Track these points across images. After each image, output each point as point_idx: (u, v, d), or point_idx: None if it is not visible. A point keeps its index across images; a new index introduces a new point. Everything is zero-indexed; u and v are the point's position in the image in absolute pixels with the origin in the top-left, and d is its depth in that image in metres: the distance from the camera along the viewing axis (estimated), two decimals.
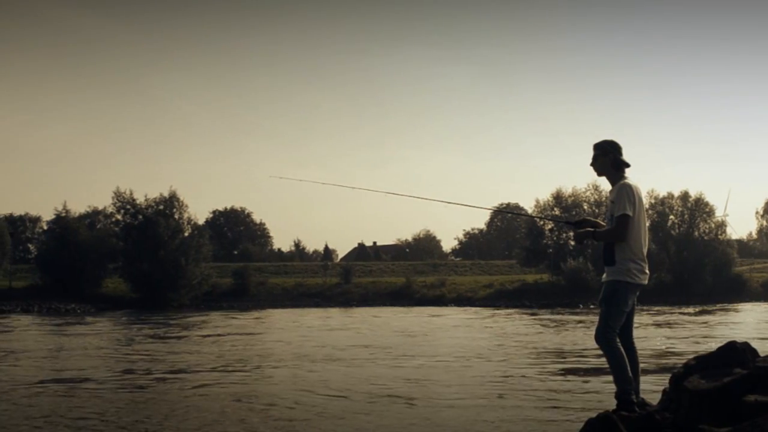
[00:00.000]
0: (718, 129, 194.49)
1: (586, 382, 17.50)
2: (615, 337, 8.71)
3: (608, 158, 9.05)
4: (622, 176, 9.01)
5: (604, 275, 8.97)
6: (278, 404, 14.81)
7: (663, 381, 10.32)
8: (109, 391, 16.95)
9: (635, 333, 9.19)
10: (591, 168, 9.26)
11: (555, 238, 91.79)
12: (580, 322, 43.89)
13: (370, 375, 19.47)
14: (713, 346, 8.99)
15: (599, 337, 8.79)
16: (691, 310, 57.94)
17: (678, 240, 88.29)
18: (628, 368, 8.59)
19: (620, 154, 9.07)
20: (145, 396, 16.14)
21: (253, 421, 13.11)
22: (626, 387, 8.52)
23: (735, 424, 6.88)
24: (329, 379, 18.72)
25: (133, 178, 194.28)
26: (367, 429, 12.37)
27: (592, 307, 67.75)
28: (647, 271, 8.91)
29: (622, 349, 8.67)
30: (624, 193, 8.82)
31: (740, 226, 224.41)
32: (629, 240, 8.77)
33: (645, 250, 8.95)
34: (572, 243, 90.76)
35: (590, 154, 9.20)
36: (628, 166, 9.06)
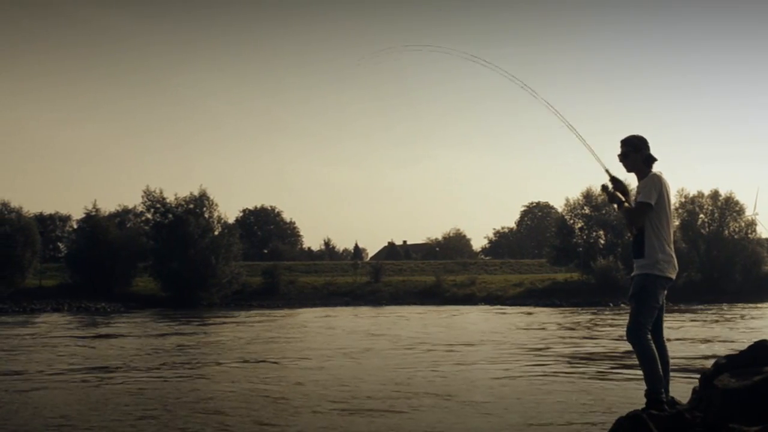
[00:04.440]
0: (747, 128, 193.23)
1: (615, 380, 17.41)
2: (646, 334, 8.62)
3: (640, 155, 9.01)
4: (650, 171, 8.98)
5: (634, 270, 8.93)
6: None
7: (693, 379, 10.25)
8: (135, 390, 16.95)
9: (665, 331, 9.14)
10: (621, 164, 9.21)
11: (585, 237, 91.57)
12: (609, 320, 43.72)
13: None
14: (743, 345, 8.90)
15: (630, 334, 8.70)
16: (720, 308, 57.63)
17: (708, 239, 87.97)
18: (659, 366, 8.53)
19: (649, 149, 9.04)
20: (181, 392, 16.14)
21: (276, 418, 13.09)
22: (656, 386, 8.45)
23: (765, 422, 6.83)
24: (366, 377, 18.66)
25: (163, 177, 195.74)
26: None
27: (622, 305, 67.53)
28: (676, 266, 8.87)
29: (653, 347, 8.59)
30: (651, 182, 8.82)
31: None
32: (658, 232, 8.75)
33: (671, 245, 8.91)
34: (602, 242, 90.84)
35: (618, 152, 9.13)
36: (656, 160, 9.02)
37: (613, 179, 9.36)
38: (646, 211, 8.75)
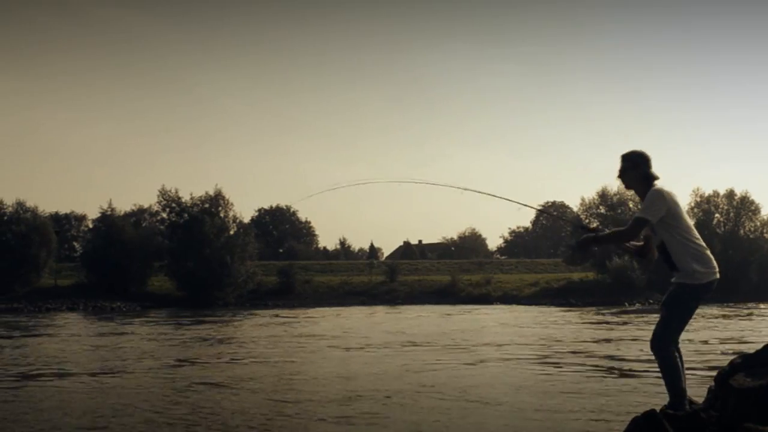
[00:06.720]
0: (762, 128, 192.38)
1: (631, 381, 17.40)
2: (671, 345, 8.23)
3: (638, 172, 8.53)
4: (651, 188, 8.42)
5: (673, 277, 8.44)
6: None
7: (709, 379, 10.23)
8: (153, 387, 17.02)
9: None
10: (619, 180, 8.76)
11: None
12: (625, 320, 43.63)
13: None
14: (759, 344, 8.85)
15: (655, 343, 8.26)
16: (736, 308, 57.48)
17: (723, 238, 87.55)
18: (683, 379, 8.19)
19: (650, 167, 8.55)
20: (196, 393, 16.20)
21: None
22: (679, 400, 8.10)
23: None
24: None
25: (178, 177, 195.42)
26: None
27: (637, 305, 67.50)
28: (715, 265, 8.38)
29: (677, 359, 8.21)
30: (652, 198, 8.27)
31: None
32: (682, 241, 8.29)
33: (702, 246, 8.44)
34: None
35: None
36: (657, 178, 8.51)
37: (588, 229, 9.00)
38: (640, 226, 8.31)
